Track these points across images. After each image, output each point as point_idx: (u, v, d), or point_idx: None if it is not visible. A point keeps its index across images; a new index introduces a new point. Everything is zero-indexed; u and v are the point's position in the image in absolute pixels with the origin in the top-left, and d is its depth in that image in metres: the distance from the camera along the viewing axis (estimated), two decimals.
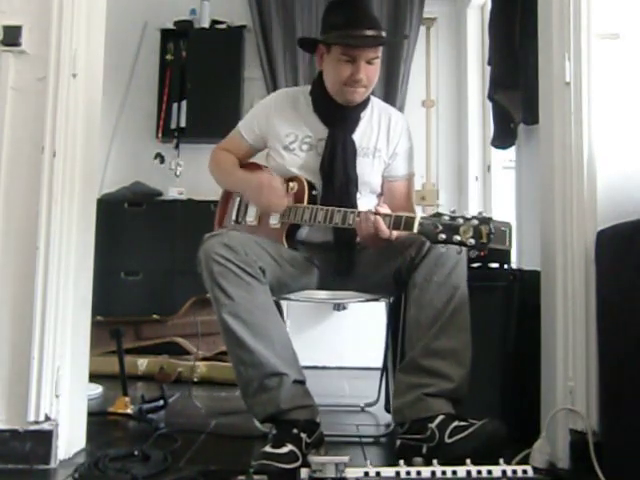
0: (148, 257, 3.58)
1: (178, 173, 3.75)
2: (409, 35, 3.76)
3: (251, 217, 1.99)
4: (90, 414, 1.85)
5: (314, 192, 1.89)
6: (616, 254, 1.52)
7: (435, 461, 1.40)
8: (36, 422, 1.62)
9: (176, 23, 3.94)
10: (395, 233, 1.65)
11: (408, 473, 1.38)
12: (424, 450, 1.57)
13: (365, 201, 1.93)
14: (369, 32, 1.82)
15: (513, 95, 2.69)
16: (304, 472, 1.44)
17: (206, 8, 3.92)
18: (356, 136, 1.94)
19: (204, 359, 3.06)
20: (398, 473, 1.38)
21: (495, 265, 2.10)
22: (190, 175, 3.70)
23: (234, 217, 2.06)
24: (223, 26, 3.93)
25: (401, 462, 1.40)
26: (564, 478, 1.59)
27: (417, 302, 1.70)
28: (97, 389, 2.54)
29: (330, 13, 1.92)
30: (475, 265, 2.12)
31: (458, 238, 1.53)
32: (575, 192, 1.66)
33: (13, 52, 1.69)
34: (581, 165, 1.65)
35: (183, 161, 3.77)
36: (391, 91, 3.78)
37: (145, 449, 1.70)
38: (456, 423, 1.56)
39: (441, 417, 1.58)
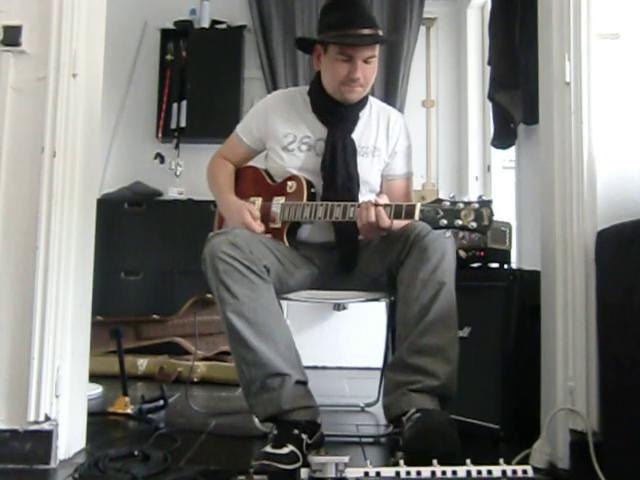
0: (148, 257, 3.58)
1: (178, 173, 3.76)
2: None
3: None
4: (90, 414, 1.85)
5: (312, 190, 1.90)
6: (616, 254, 1.52)
7: (435, 461, 1.40)
8: (36, 422, 1.62)
9: (176, 23, 3.94)
10: (396, 222, 1.65)
11: (408, 473, 1.38)
12: (401, 443, 1.57)
13: (365, 200, 1.93)
14: (365, 31, 1.83)
15: (513, 95, 2.69)
16: (304, 472, 1.44)
17: (206, 8, 3.93)
18: (355, 135, 1.94)
19: (204, 359, 3.06)
20: (398, 473, 1.38)
21: (495, 265, 2.10)
22: (190, 175, 3.70)
23: None
24: (223, 26, 3.94)
25: (401, 462, 1.40)
26: (564, 478, 1.59)
27: (404, 299, 1.71)
28: (97, 389, 2.54)
29: (326, 13, 1.92)
30: (475, 265, 2.13)
31: (460, 222, 1.53)
32: (575, 192, 1.66)
33: (13, 52, 1.69)
34: (581, 165, 1.65)
35: (183, 161, 3.77)
36: (391, 91, 3.78)
37: (145, 449, 1.70)
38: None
39: (414, 411, 1.58)
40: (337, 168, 1.88)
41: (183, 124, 3.82)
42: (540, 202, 1.87)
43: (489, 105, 3.12)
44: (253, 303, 1.65)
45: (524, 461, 1.58)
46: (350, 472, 1.39)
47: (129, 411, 2.18)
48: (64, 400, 1.66)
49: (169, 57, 3.94)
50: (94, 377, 2.18)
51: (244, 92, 3.90)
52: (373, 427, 2.18)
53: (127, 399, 2.22)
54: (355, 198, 1.88)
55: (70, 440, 1.68)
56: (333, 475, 1.39)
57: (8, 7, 1.70)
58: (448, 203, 1.55)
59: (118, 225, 3.55)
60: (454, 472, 1.38)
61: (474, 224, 1.52)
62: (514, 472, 1.40)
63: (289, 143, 1.95)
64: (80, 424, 1.78)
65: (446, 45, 4.03)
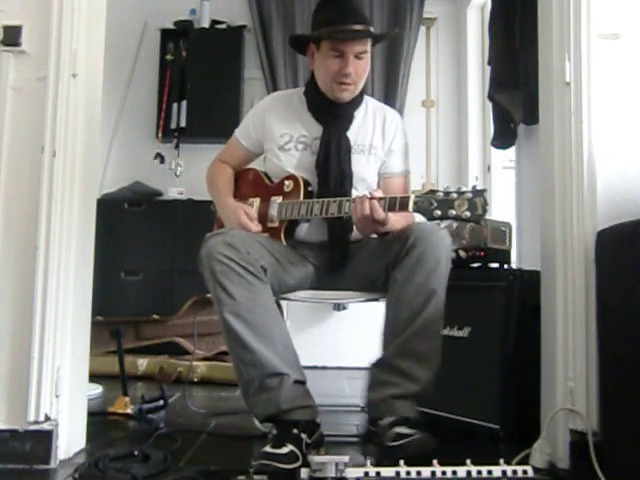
0: (148, 257, 3.58)
1: (178, 173, 3.76)
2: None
3: None
4: (90, 414, 1.85)
5: (310, 188, 1.90)
6: (616, 254, 1.52)
7: (435, 461, 1.40)
8: (36, 422, 1.62)
9: (176, 23, 3.94)
10: (391, 215, 1.66)
11: (408, 473, 1.38)
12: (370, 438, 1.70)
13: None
14: (357, 26, 1.84)
15: (513, 95, 2.69)
16: (304, 472, 1.44)
17: (206, 8, 3.93)
18: (351, 134, 1.95)
19: (204, 359, 3.06)
20: (398, 473, 1.38)
21: (495, 265, 2.10)
22: (190, 175, 3.70)
23: None
24: (223, 26, 3.94)
25: (401, 462, 1.41)
26: (564, 478, 1.59)
27: (396, 300, 1.72)
28: (97, 389, 2.54)
29: (319, 11, 1.94)
30: (475, 265, 2.13)
31: (454, 212, 1.53)
32: (575, 192, 1.66)
33: (13, 52, 1.69)
34: (581, 165, 1.65)
35: (183, 161, 3.77)
36: (391, 91, 3.78)
37: (145, 449, 1.70)
38: (399, 430, 1.60)
39: (391, 419, 1.64)
40: (330, 165, 1.88)
41: (183, 124, 3.82)
42: (540, 202, 1.87)
43: (489, 105, 3.12)
44: (250, 304, 1.65)
45: (524, 461, 1.58)
46: (350, 472, 1.39)
47: (129, 411, 2.18)
48: (64, 400, 1.66)
49: (169, 57, 3.94)
50: (94, 377, 2.18)
51: (244, 92, 3.90)
52: None
53: (127, 399, 2.22)
54: (348, 195, 1.89)
55: (70, 440, 1.68)
56: (333, 475, 1.39)
57: (8, 7, 1.70)
58: (442, 194, 1.55)
59: (118, 225, 3.55)
60: (454, 472, 1.38)
61: (468, 213, 1.52)
62: (514, 472, 1.40)
63: (285, 143, 1.96)
64: (80, 424, 1.78)
65: (446, 45, 4.03)
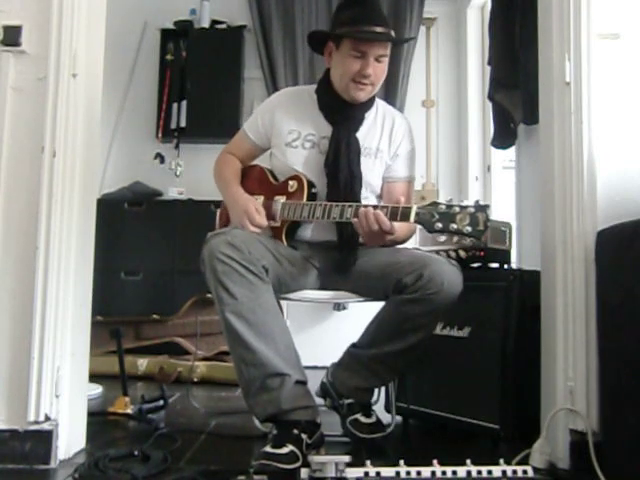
0: (148, 257, 3.58)
1: (178, 173, 3.75)
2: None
3: None
4: (90, 414, 1.85)
5: (313, 190, 1.89)
6: (616, 254, 1.52)
7: (436, 461, 1.40)
8: (36, 422, 1.62)
9: (176, 23, 3.94)
10: (396, 224, 1.65)
11: (408, 473, 1.38)
12: (327, 403, 1.99)
13: (366, 201, 1.93)
14: (379, 29, 1.83)
15: (513, 95, 2.69)
16: (304, 472, 1.44)
17: (206, 8, 3.92)
18: (360, 135, 1.94)
19: (204, 359, 3.06)
20: (398, 473, 1.38)
21: (495, 265, 2.10)
22: (190, 175, 3.70)
23: None
24: (223, 26, 3.93)
25: (401, 462, 1.41)
26: (564, 478, 1.59)
27: (392, 314, 1.79)
28: (97, 389, 2.54)
29: (341, 11, 1.92)
30: (475, 265, 2.12)
31: (455, 226, 1.52)
32: (575, 192, 1.66)
33: (13, 52, 1.69)
34: (581, 165, 1.65)
35: (183, 161, 3.77)
36: (391, 91, 3.78)
37: (145, 449, 1.70)
38: (357, 416, 1.91)
39: (351, 401, 1.93)
40: (340, 166, 1.87)
41: (183, 124, 3.82)
42: (540, 202, 1.87)
43: (489, 105, 3.12)
44: (252, 303, 1.65)
45: (524, 461, 1.58)
46: (350, 472, 1.39)
47: (129, 411, 2.18)
48: (64, 400, 1.66)
49: (169, 57, 3.93)
50: (94, 377, 2.18)
51: (244, 92, 3.90)
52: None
53: (127, 399, 2.22)
54: (357, 197, 1.88)
55: (70, 440, 1.68)
56: (333, 475, 1.39)
57: (8, 7, 1.70)
58: (444, 206, 1.55)
59: (118, 225, 3.55)
60: (454, 472, 1.38)
61: (469, 228, 1.51)
62: (514, 472, 1.40)
63: (293, 140, 1.95)
64: (80, 424, 1.78)
65: (446, 45, 4.03)
